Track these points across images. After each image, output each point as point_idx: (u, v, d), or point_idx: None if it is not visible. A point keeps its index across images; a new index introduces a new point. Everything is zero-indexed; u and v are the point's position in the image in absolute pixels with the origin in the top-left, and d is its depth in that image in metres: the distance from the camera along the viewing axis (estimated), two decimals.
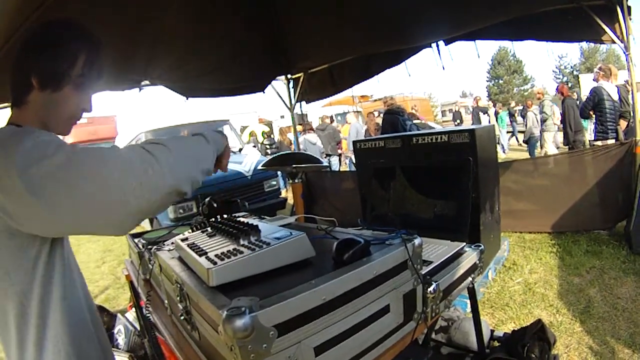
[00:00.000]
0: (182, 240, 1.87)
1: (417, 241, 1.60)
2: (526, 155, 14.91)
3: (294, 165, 3.14)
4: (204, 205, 2.18)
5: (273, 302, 1.11)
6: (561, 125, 13.24)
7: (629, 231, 5.55)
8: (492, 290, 4.98)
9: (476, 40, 6.72)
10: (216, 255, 1.47)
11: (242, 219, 1.96)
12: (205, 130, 1.63)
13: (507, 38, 6.59)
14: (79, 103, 1.56)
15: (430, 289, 1.65)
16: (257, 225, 1.69)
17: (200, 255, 1.53)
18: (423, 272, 1.67)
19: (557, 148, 14.93)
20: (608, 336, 3.80)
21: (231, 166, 9.53)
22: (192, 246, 1.70)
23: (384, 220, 2.29)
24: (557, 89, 12.39)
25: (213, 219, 2.08)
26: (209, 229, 1.97)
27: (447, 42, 6.76)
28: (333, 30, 6.75)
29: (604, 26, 5.39)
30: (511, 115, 19.47)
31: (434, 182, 3.33)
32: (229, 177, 8.88)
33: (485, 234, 3.55)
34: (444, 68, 7.13)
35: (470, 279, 2.08)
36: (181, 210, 8.29)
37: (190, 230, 2.08)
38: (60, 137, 1.46)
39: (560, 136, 15.97)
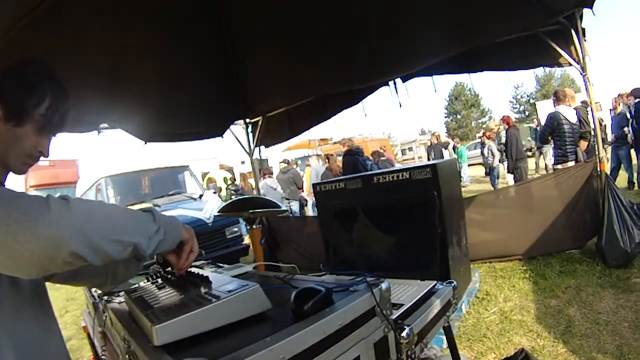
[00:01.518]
0: (130, 292, 1.75)
1: (384, 285, 1.49)
2: (488, 186, 15.08)
3: (250, 211, 3.01)
4: (158, 255, 2.03)
5: None
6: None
7: (601, 246, 5.56)
8: (467, 323, 4.82)
9: (433, 76, 6.74)
10: (162, 310, 1.33)
11: (194, 270, 1.83)
12: (154, 210, 1.51)
13: (464, 71, 6.67)
14: (37, 144, 1.53)
15: (404, 334, 1.51)
16: (207, 277, 1.56)
17: (145, 310, 1.39)
18: (394, 317, 1.56)
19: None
20: (594, 352, 3.74)
21: (191, 213, 9.44)
22: (139, 300, 1.57)
23: (348, 263, 2.17)
24: (501, 119, 12.65)
25: (169, 269, 1.92)
26: (159, 280, 1.84)
27: (404, 79, 6.77)
28: (289, 72, 6.74)
29: (560, 50, 5.48)
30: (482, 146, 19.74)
31: (399, 221, 3.23)
32: (189, 225, 8.68)
33: (455, 268, 3.46)
34: (400, 105, 7.12)
35: (445, 317, 1.96)
36: None
37: (145, 280, 1.95)
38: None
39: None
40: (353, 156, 9.14)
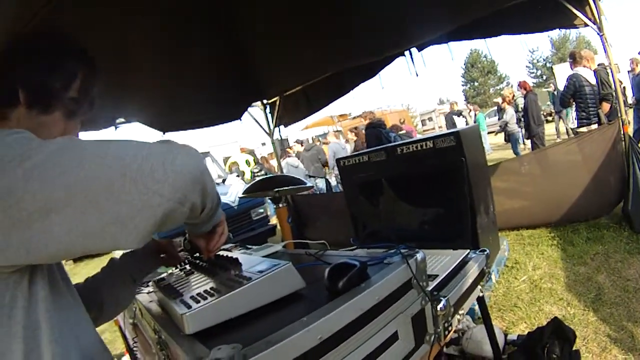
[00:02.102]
0: (159, 281, 1.71)
1: (419, 256, 1.45)
2: (509, 153, 14.91)
3: (276, 189, 2.96)
4: (185, 241, 1.97)
5: (259, 350, 0.93)
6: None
7: (628, 211, 5.48)
8: (497, 292, 4.79)
9: (449, 43, 6.62)
10: (192, 297, 1.28)
11: (222, 253, 1.79)
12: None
13: (479, 37, 6.50)
14: (65, 131, 1.31)
15: (440, 305, 1.47)
16: (236, 259, 1.51)
17: (174, 299, 1.34)
18: (429, 289, 1.51)
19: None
20: (624, 321, 3.66)
21: None
22: (167, 288, 1.53)
23: (377, 237, 2.12)
24: (519, 85, 12.42)
25: (197, 254, 1.86)
26: (187, 266, 1.79)
27: (419, 48, 6.66)
28: (302, 51, 6.63)
29: (574, 10, 5.31)
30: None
31: (426, 191, 3.17)
32: None
33: (484, 237, 3.39)
34: (417, 75, 7.00)
35: (479, 287, 1.93)
36: None
37: (173, 268, 1.88)
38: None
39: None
40: (375, 129, 9.05)
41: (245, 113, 8.35)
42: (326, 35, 6.24)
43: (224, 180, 11.22)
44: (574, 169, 6.00)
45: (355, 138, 12.52)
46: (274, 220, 10.70)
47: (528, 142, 13.31)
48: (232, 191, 9.59)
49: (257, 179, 13.77)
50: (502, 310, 4.40)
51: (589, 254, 5.13)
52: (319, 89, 8.04)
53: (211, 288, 1.30)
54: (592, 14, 5.24)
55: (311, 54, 6.62)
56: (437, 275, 1.73)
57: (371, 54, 6.38)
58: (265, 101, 8.68)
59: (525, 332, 3.39)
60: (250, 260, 1.47)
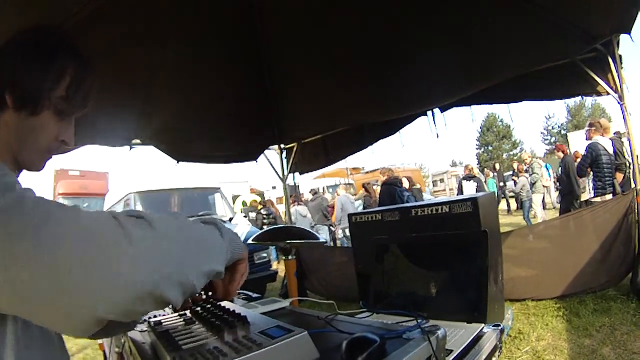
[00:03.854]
0: (155, 324, 1.58)
1: (440, 333, 1.35)
2: (514, 219, 15.00)
3: (287, 241, 2.86)
4: None
5: None
6: (549, 186, 13.36)
7: (636, 283, 5.42)
8: None
9: (471, 106, 6.63)
10: (193, 356, 1.15)
11: (226, 304, 1.68)
12: (217, 221, 1.20)
13: (502, 101, 6.57)
14: (59, 133, 1.24)
15: None
16: (245, 316, 1.38)
17: (172, 350, 1.22)
18: None
19: (545, 209, 15.22)
20: None
21: None
22: (164, 335, 1.40)
23: (385, 300, 2.05)
24: (555, 149, 12.60)
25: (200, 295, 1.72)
26: (187, 312, 1.68)
27: (442, 109, 6.66)
28: (326, 100, 6.64)
29: (597, 78, 5.39)
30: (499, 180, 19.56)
31: (440, 257, 3.05)
32: None
33: (490, 306, 3.28)
34: (438, 136, 6.99)
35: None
36: None
37: (171, 310, 1.79)
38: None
39: (548, 197, 16.09)
40: (391, 186, 9.03)
41: (261, 155, 8.30)
42: (352, 89, 6.24)
43: (230, 219, 11.15)
44: (585, 239, 5.92)
45: (365, 194, 12.48)
46: (275, 266, 10.59)
47: (538, 210, 13.43)
48: (238, 231, 9.50)
49: (270, 227, 13.76)
50: None
51: (594, 326, 5.04)
52: (339, 141, 8.03)
53: (215, 348, 1.16)
54: (614, 82, 5.30)
55: (335, 105, 6.62)
56: (451, 350, 1.65)
57: (395, 112, 6.38)
58: (282, 145, 8.64)
59: None
60: (259, 320, 1.35)
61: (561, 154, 11.84)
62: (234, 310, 1.47)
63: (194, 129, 6.68)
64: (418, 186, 11.93)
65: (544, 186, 14.40)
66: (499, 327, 1.99)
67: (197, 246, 1.01)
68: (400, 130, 7.40)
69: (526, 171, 15.07)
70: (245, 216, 13.78)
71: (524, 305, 6.24)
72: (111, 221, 0.86)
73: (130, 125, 5.96)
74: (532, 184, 13.79)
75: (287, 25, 5.76)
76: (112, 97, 4.89)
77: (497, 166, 19.01)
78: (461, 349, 1.69)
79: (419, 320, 1.43)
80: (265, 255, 9.45)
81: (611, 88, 5.34)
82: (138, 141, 6.47)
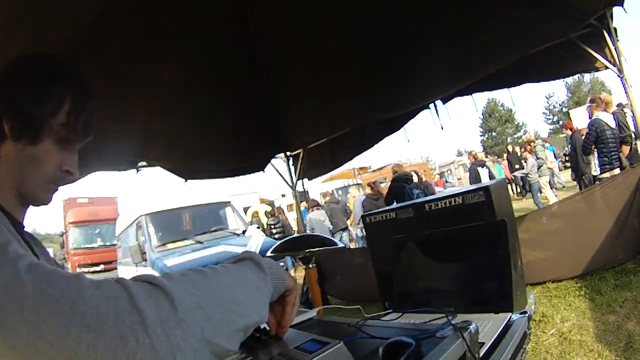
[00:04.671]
0: None
1: (473, 327, 1.35)
2: (525, 204, 15.00)
3: (307, 250, 2.85)
4: None
5: None
6: (554, 167, 13.36)
7: None
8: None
9: (473, 94, 6.62)
10: None
11: None
12: (254, 255, 1.12)
13: (503, 86, 6.56)
14: (62, 163, 1.21)
15: None
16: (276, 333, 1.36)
17: None
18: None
19: (555, 189, 15.62)
20: None
21: (235, 249, 9.34)
22: None
23: (410, 299, 2.04)
24: (563, 127, 12.59)
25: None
26: None
27: (444, 101, 6.64)
28: (329, 104, 6.64)
29: (594, 54, 5.42)
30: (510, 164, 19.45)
31: (459, 249, 3.03)
32: None
33: (515, 294, 3.28)
34: (442, 128, 6.96)
35: (522, 350, 1.83)
36: None
37: None
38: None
39: (556, 178, 16.07)
40: (400, 183, 9.02)
41: (268, 164, 8.31)
42: (354, 90, 6.23)
43: (244, 232, 11.14)
44: (598, 216, 5.91)
45: (371, 192, 12.48)
46: (293, 273, 10.56)
47: (549, 192, 13.39)
48: (253, 243, 9.52)
49: (273, 231, 13.76)
50: None
51: (617, 302, 5.05)
52: (344, 143, 8.03)
53: None
54: (612, 56, 5.32)
55: (338, 108, 6.64)
56: (483, 343, 1.63)
57: (398, 108, 6.37)
58: (288, 153, 8.63)
59: None
60: (291, 334, 1.32)
61: (569, 132, 11.81)
62: (264, 328, 1.45)
63: (198, 146, 6.68)
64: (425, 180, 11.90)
65: (548, 168, 14.41)
66: (527, 314, 2.00)
67: (227, 306, 0.90)
68: (404, 126, 7.40)
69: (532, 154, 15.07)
70: (258, 227, 13.78)
71: (545, 287, 6.24)
72: (124, 300, 0.74)
73: (135, 148, 5.97)
74: (538, 168, 13.79)
75: (285, 32, 5.74)
76: (115, 121, 4.90)
77: (510, 148, 18.80)
78: (492, 340, 1.68)
79: (449, 317, 1.42)
80: (282, 264, 9.42)
81: (610, 62, 5.35)
82: (144, 163, 6.45)
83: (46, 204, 1.25)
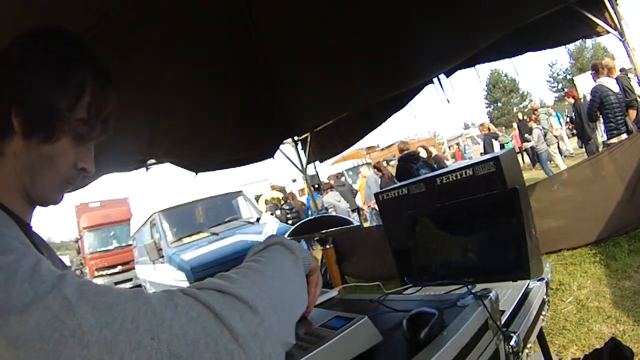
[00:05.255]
0: None
1: (493, 295, 1.37)
2: (536, 173, 14.99)
3: (323, 231, 2.86)
4: None
5: None
6: (561, 135, 13.34)
7: None
8: None
9: (476, 66, 6.59)
10: None
11: None
12: (283, 239, 1.09)
13: (505, 56, 6.52)
14: (77, 159, 1.06)
15: (512, 342, 1.38)
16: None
17: None
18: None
19: (564, 156, 15.38)
20: None
21: (251, 237, 9.39)
22: None
23: (428, 272, 2.07)
24: (566, 95, 12.54)
25: None
26: None
27: (447, 74, 6.61)
28: (333, 85, 6.60)
29: (594, 19, 5.34)
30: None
31: (473, 221, 3.05)
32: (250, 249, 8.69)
33: (531, 261, 3.30)
34: (449, 101, 6.93)
35: (542, 317, 1.87)
36: None
37: None
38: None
39: (563, 144, 16.03)
40: (406, 163, 9.03)
41: (277, 151, 8.32)
42: (357, 70, 6.21)
43: (258, 220, 11.17)
44: (608, 181, 5.93)
45: (380, 173, 12.46)
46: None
47: (558, 159, 13.35)
48: (268, 230, 9.54)
49: (289, 217, 13.79)
50: (551, 334, 4.30)
51: (632, 267, 5.10)
52: (351, 123, 8.00)
53: None
54: (612, 20, 5.26)
55: (342, 90, 6.59)
56: (503, 311, 1.64)
57: (402, 85, 6.34)
58: (296, 138, 8.64)
59: (577, 356, 3.31)
60: (315, 314, 1.33)
61: (572, 100, 11.77)
62: None
63: (206, 138, 6.69)
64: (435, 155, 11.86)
65: (555, 136, 14.37)
66: (544, 280, 2.02)
67: (287, 302, 0.89)
68: (410, 103, 7.37)
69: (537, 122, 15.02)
70: (272, 214, 13.81)
71: (560, 256, 6.29)
72: (209, 319, 0.69)
73: (143, 147, 5.98)
74: (544, 137, 13.77)
75: (283, 18, 5.73)
76: (121, 122, 4.91)
77: (520, 116, 18.58)
78: (512, 308, 1.68)
79: (468, 287, 1.44)
80: None
81: (610, 26, 5.29)
82: (153, 161, 6.48)
83: (56, 204, 1.11)
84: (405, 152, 9.97)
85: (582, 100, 11.63)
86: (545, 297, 1.94)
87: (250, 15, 5.60)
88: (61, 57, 1.02)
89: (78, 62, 1.04)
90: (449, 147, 44.19)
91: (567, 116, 17.83)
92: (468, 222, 2.75)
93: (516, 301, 1.74)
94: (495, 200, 2.53)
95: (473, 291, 1.39)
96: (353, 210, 13.81)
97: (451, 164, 13.44)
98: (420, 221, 2.95)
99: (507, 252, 2.38)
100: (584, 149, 12.73)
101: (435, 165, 10.97)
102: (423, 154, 11.03)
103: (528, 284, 1.95)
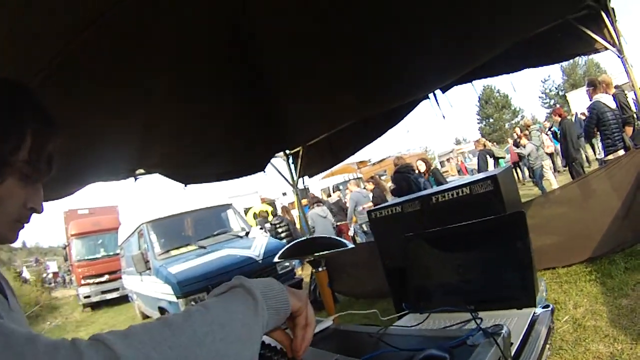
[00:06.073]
0: None
1: (505, 332, 1.24)
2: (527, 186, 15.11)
3: (316, 254, 2.74)
4: None
5: None
6: (553, 152, 13.41)
7: None
8: None
9: (473, 81, 6.55)
10: None
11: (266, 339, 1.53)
12: (245, 281, 0.98)
13: (502, 72, 6.54)
14: (26, 200, 1.10)
15: None
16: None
17: None
18: None
19: (557, 172, 15.75)
20: None
21: (240, 252, 9.30)
22: None
23: (425, 297, 1.96)
24: (553, 113, 12.70)
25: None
26: None
27: (444, 90, 6.58)
28: (326, 99, 6.52)
29: (593, 35, 5.34)
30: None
31: (474, 243, 2.92)
32: (238, 264, 8.60)
33: (535, 287, 3.24)
34: (444, 117, 6.91)
35: (548, 345, 1.76)
36: (193, 303, 8.01)
37: None
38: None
39: (559, 161, 16.17)
40: (404, 174, 9.06)
41: (268, 164, 8.21)
42: (351, 84, 6.12)
43: (247, 234, 11.08)
44: (604, 198, 5.88)
45: (373, 187, 12.40)
46: (299, 272, 10.50)
47: (551, 176, 13.43)
48: (257, 244, 9.47)
49: (279, 230, 13.70)
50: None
51: (629, 285, 5.06)
52: (343, 138, 7.94)
53: None
54: (611, 37, 5.24)
55: (336, 104, 6.52)
56: (511, 343, 1.54)
57: (397, 100, 6.27)
58: (287, 151, 8.56)
59: None
60: (312, 356, 1.20)
61: (558, 118, 11.84)
62: (281, 348, 1.29)
63: (197, 150, 6.60)
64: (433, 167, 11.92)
65: (546, 153, 14.43)
66: (549, 308, 1.91)
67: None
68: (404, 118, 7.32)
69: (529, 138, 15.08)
70: (261, 228, 13.72)
71: (555, 273, 6.24)
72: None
73: (133, 157, 5.90)
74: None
75: (277, 31, 5.64)
76: (110, 132, 4.83)
77: (519, 131, 18.46)
78: (520, 339, 1.60)
79: (477, 322, 1.33)
80: (287, 264, 9.39)
81: (609, 43, 5.28)
82: (142, 171, 6.40)
83: (12, 242, 1.15)
84: (401, 165, 10.00)
85: (569, 119, 11.71)
86: (551, 325, 1.85)
87: (244, 26, 5.51)
88: (2, 104, 1.05)
89: (16, 109, 1.08)
90: (440, 163, 44.44)
91: (551, 131, 17.70)
92: (469, 245, 2.62)
93: (523, 332, 1.66)
94: (500, 223, 2.40)
95: (483, 327, 1.28)
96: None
97: (453, 180, 13.34)
98: (419, 243, 2.80)
99: (511, 277, 2.26)
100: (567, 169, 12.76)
101: (433, 178, 10.99)
102: (422, 167, 11.00)
103: (534, 313, 1.84)
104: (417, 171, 10.44)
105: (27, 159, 1.07)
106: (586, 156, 17.66)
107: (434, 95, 6.61)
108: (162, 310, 9.56)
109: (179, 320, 0.79)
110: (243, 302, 0.91)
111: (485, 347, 1.18)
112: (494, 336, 1.20)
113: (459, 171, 31.44)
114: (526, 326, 1.70)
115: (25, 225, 1.15)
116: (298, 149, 8.37)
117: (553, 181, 13.84)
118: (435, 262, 2.70)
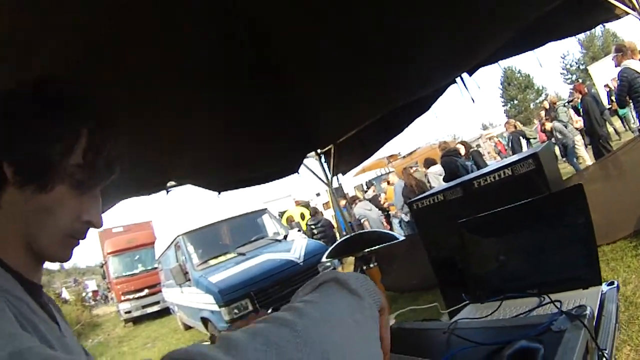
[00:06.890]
0: None
1: (589, 312, 1.17)
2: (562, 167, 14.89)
3: (366, 250, 2.64)
4: None
5: None
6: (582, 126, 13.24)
7: None
8: None
9: (499, 62, 6.42)
10: None
11: None
12: (339, 275, 0.83)
13: (526, 49, 6.32)
14: (81, 212, 1.01)
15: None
16: None
17: None
18: None
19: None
20: None
21: (280, 256, 9.26)
22: None
23: (482, 286, 2.13)
24: (574, 89, 12.49)
25: None
26: None
27: (470, 73, 6.43)
28: (354, 94, 6.43)
29: (613, 1, 4.97)
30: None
31: (532, 225, 2.78)
32: (279, 269, 8.56)
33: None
34: (473, 100, 6.76)
35: (617, 324, 1.63)
36: (236, 311, 7.98)
37: None
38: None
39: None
40: (450, 157, 9.06)
41: (301, 165, 8.19)
42: (377, 76, 6.02)
43: (285, 237, 11.04)
44: None
45: (404, 180, 12.27)
46: (340, 270, 10.42)
47: (583, 152, 13.13)
48: (296, 246, 9.43)
49: (315, 232, 13.66)
50: None
51: None
52: (372, 132, 7.82)
53: None
54: (631, 0, 4.93)
55: (363, 97, 6.44)
56: None
57: (425, 87, 6.15)
58: (319, 150, 8.51)
59: (632, 357, 3.28)
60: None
61: (579, 95, 11.59)
62: None
63: (228, 157, 6.57)
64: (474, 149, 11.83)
65: (575, 128, 14.09)
66: (615, 285, 1.79)
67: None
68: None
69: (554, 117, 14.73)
70: (298, 230, 13.70)
71: (600, 251, 5.98)
72: None
73: (163, 169, 5.89)
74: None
75: (297, 30, 5.57)
76: (139, 145, 4.79)
77: (547, 105, 17.69)
78: (595, 321, 1.48)
79: (557, 305, 1.24)
80: (329, 263, 9.30)
81: (629, 7, 5.09)
82: (173, 183, 6.40)
83: (65, 261, 1.05)
84: (446, 149, 10.19)
85: (591, 94, 11.46)
86: (618, 302, 1.73)
87: (268, 37, 5.45)
88: (49, 104, 0.99)
89: (67, 107, 1.01)
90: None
91: (573, 107, 17.08)
92: (524, 226, 2.49)
93: (596, 312, 1.53)
94: (558, 200, 2.28)
95: (565, 310, 1.18)
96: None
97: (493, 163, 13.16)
98: (472, 229, 2.67)
99: (574, 255, 2.14)
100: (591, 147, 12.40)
101: (473, 161, 10.94)
102: (462, 150, 10.92)
103: (601, 290, 1.74)
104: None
105: (81, 162, 1.00)
106: (614, 129, 17.25)
107: (461, 78, 6.46)
108: (204, 320, 9.61)
109: (294, 320, 0.66)
110: (345, 298, 0.78)
111: (573, 331, 1.09)
112: (580, 318, 1.10)
113: (498, 153, 31.17)
114: (597, 306, 1.60)
115: (81, 241, 1.06)
116: (329, 147, 8.33)
117: (586, 157, 13.54)
118: (491, 248, 2.58)
